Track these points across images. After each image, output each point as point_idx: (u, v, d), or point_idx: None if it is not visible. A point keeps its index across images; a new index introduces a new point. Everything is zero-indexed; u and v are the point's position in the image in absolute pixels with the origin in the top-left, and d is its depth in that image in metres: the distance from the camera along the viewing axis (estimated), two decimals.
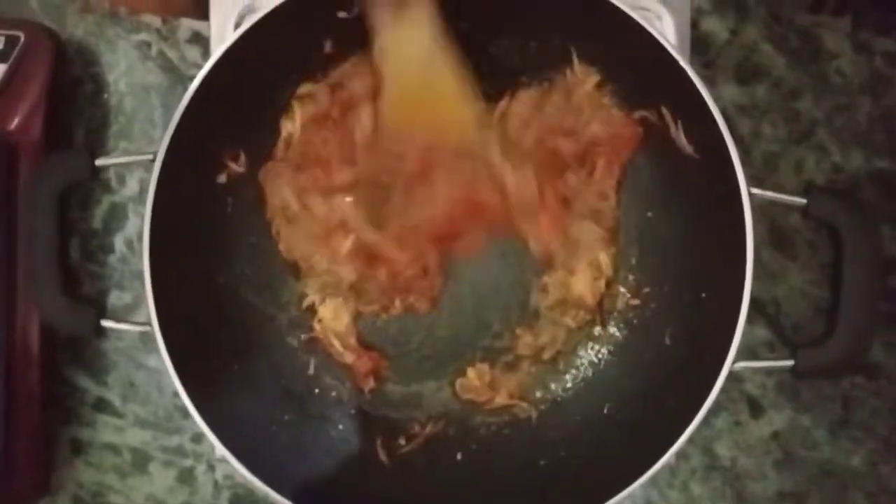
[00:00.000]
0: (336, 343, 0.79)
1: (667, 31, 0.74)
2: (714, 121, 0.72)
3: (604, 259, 0.78)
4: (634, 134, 0.76)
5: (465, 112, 0.66)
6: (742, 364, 0.73)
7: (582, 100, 0.76)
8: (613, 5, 0.71)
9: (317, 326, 0.81)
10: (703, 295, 0.73)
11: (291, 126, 0.85)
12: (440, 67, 0.62)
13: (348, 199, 0.75)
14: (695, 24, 0.79)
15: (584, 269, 0.78)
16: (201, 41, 0.83)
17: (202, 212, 0.76)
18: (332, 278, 0.78)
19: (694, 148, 0.72)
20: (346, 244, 0.77)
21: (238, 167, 0.78)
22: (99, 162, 0.70)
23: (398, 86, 0.64)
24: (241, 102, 0.74)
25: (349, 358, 0.79)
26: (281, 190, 0.79)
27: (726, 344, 0.67)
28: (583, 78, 0.76)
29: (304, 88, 0.83)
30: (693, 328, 0.74)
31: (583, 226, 0.78)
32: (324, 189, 0.78)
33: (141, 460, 0.84)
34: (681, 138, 0.73)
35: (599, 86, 0.76)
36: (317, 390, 0.81)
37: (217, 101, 0.69)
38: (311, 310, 0.81)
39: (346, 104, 0.81)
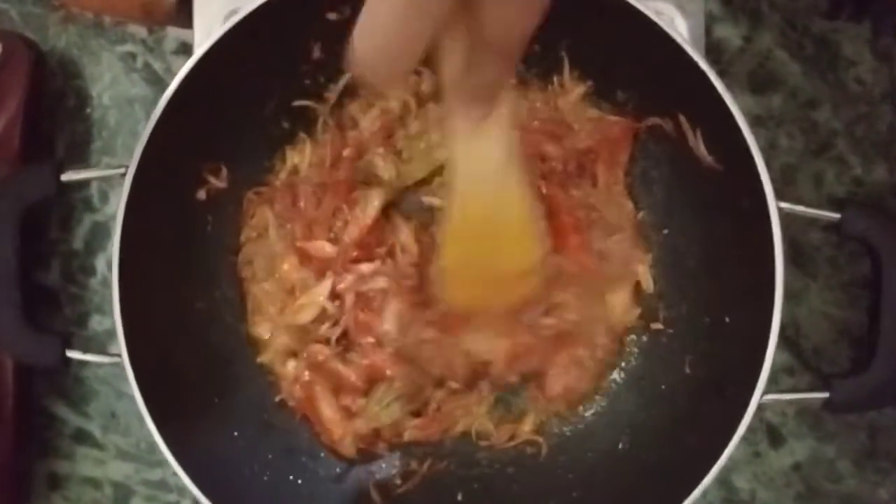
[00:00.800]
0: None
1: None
2: (737, 129, 0.67)
3: (643, 272, 0.74)
4: (625, 133, 0.73)
5: (532, 255, 0.60)
6: (771, 397, 0.67)
7: (568, 109, 0.74)
8: (629, 4, 0.66)
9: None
10: (727, 319, 0.69)
11: (299, 159, 0.80)
12: (512, 196, 0.56)
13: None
14: (707, 31, 0.75)
15: (624, 286, 0.74)
16: (188, 51, 0.77)
17: (180, 231, 0.73)
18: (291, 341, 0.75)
19: (715, 158, 0.68)
20: (309, 314, 0.74)
21: (219, 182, 0.74)
22: (65, 177, 0.66)
23: (463, 210, 0.56)
24: (222, 111, 0.71)
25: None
26: (264, 217, 0.76)
27: (753, 374, 0.62)
28: (570, 87, 0.74)
29: (298, 102, 0.79)
30: (715, 356, 0.70)
31: (610, 241, 0.73)
32: (299, 251, 0.77)
33: (122, 495, 0.80)
34: (700, 148, 0.69)
35: (587, 95, 0.74)
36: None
37: (196, 110, 0.66)
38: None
39: (359, 146, 0.77)
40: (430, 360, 0.69)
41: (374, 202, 0.72)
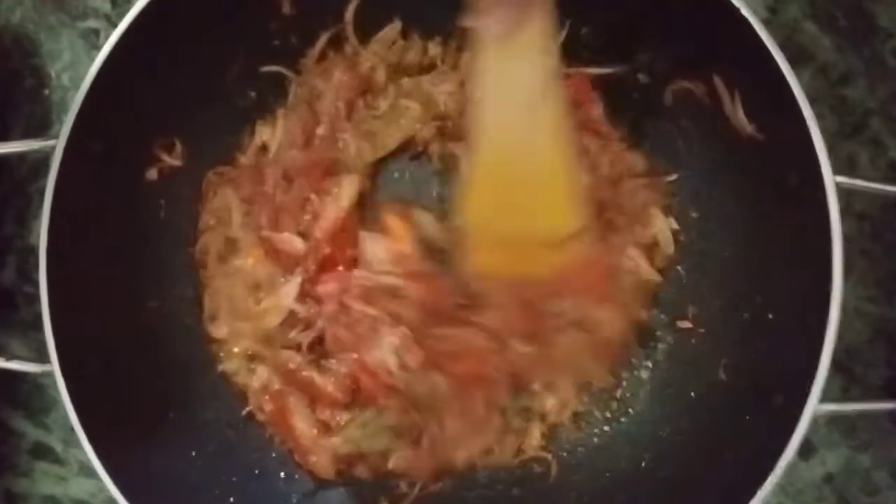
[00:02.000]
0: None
1: None
2: (785, 91, 0.59)
3: (661, 226, 0.68)
4: (582, 87, 0.69)
5: (568, 218, 0.56)
6: (830, 407, 0.58)
7: None
8: None
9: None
10: (770, 315, 0.64)
11: (269, 134, 0.72)
12: (548, 142, 0.51)
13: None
14: None
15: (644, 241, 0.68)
16: None
17: (127, 217, 0.67)
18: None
19: (756, 127, 0.63)
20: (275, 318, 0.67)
21: (174, 160, 0.69)
22: None
23: (491, 151, 0.52)
24: (177, 77, 0.67)
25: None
26: (226, 200, 0.71)
27: (803, 379, 0.56)
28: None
29: (269, 68, 0.72)
30: (756, 358, 0.65)
31: (626, 186, 0.68)
32: (265, 242, 0.70)
33: None
34: (739, 115, 0.63)
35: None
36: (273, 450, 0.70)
37: (144, 75, 0.64)
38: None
39: (332, 124, 0.70)
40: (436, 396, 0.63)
41: (348, 189, 0.67)
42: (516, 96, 0.48)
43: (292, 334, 0.68)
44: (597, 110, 0.70)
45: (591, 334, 0.63)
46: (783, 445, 0.57)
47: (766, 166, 0.63)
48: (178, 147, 0.70)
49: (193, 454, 0.67)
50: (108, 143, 0.63)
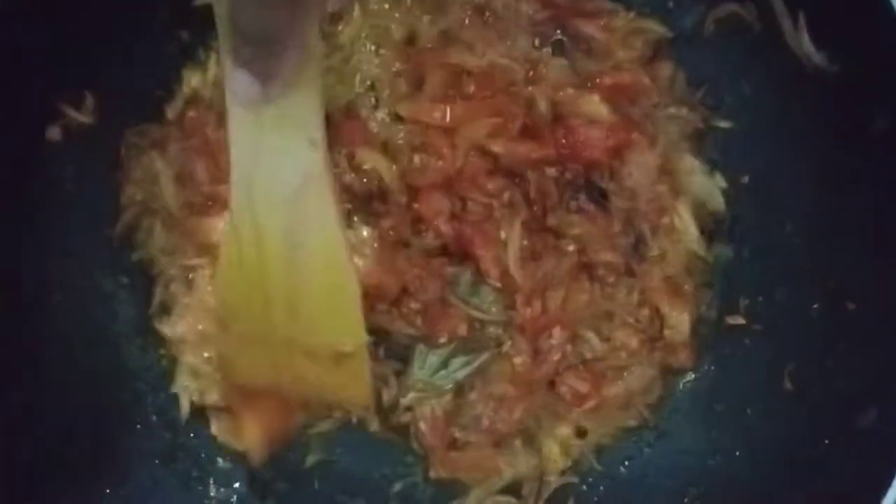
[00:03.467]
0: None
1: None
2: (874, 4, 0.49)
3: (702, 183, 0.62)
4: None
5: (349, 332, 0.52)
6: None
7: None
8: None
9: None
10: (850, 305, 0.55)
11: (200, 79, 0.64)
12: (323, 238, 0.48)
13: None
14: None
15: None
16: None
17: (21, 185, 0.58)
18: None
19: (827, 56, 0.55)
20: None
21: (82, 116, 0.60)
22: None
23: (250, 240, 0.48)
24: (87, 13, 0.57)
25: None
26: (152, 167, 0.62)
27: None
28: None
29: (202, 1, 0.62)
30: (833, 362, 0.56)
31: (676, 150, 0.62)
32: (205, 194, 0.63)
33: None
34: (804, 43, 0.55)
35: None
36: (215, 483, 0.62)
37: (43, 6, 0.54)
38: None
39: None
40: None
41: None
42: (276, 180, 0.44)
43: None
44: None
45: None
46: (883, 478, 0.47)
47: (841, 108, 0.55)
48: (89, 100, 0.60)
49: None
50: None
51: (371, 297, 0.61)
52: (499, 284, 0.63)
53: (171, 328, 0.64)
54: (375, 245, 0.62)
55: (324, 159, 0.45)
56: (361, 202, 0.63)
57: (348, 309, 0.50)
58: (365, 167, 0.62)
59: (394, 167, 0.62)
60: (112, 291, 0.64)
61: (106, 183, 0.63)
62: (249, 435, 0.59)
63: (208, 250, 0.63)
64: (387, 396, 0.64)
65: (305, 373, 0.52)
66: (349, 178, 0.62)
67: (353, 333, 0.51)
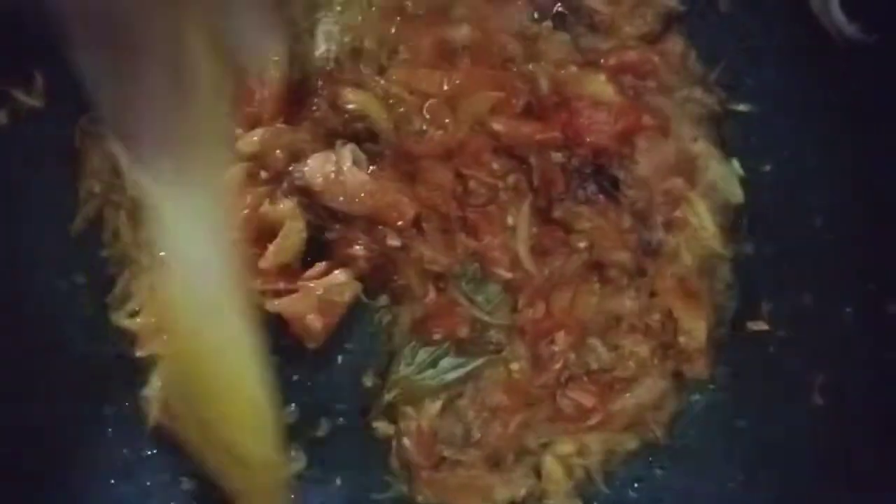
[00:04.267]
0: None
1: None
2: None
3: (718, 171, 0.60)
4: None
5: (261, 445, 0.50)
6: None
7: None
8: None
9: None
10: (891, 309, 0.51)
11: None
12: (236, 350, 0.47)
13: None
14: None
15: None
16: None
17: None
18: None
19: (861, 27, 0.51)
20: None
21: (31, 100, 0.57)
22: None
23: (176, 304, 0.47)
24: None
25: None
26: (111, 155, 0.59)
27: None
28: None
29: None
30: (869, 373, 0.53)
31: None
32: None
33: None
34: (833, 12, 0.52)
35: None
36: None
37: None
38: None
39: None
40: None
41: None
42: (190, 258, 0.43)
43: None
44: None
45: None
46: None
47: (876, 84, 0.52)
48: (39, 81, 0.57)
49: None
50: None
51: (389, 220, 0.58)
52: (509, 275, 0.59)
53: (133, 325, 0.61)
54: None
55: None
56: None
57: (261, 426, 0.49)
58: (350, 107, 0.58)
59: (385, 115, 0.58)
60: (68, 291, 0.59)
61: (62, 173, 0.58)
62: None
63: None
64: (370, 383, 0.60)
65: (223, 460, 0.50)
66: (334, 121, 0.58)
67: (263, 450, 0.49)
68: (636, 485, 0.61)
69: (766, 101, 0.60)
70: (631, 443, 0.61)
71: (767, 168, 0.60)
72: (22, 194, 0.60)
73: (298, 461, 0.61)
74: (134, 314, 0.61)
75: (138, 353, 0.60)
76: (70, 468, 0.58)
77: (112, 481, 0.59)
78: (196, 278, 0.45)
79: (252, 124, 0.61)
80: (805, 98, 0.57)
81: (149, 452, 0.61)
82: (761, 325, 0.60)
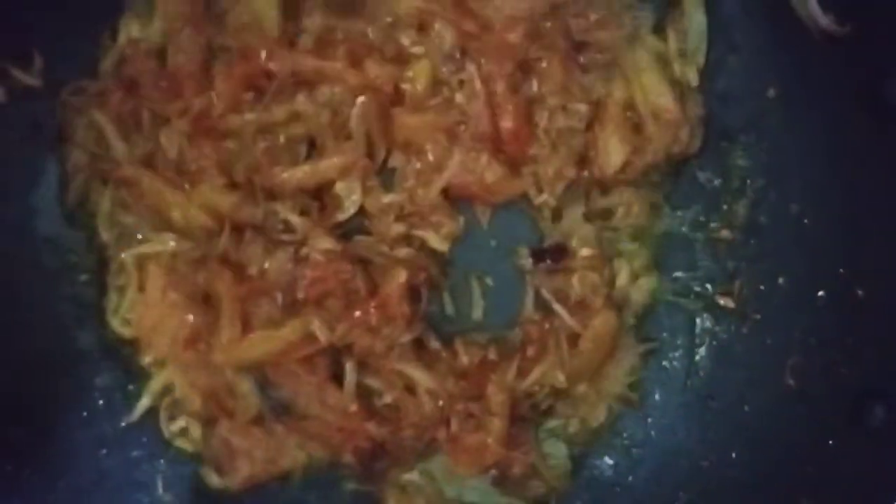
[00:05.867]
0: None
1: None
2: None
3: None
4: None
5: None
6: None
7: None
8: None
9: None
10: (859, 292, 0.52)
11: (139, 27, 0.60)
12: None
13: None
14: None
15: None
16: None
17: None
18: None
19: (835, 19, 0.51)
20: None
21: (29, 78, 0.57)
22: None
23: None
24: None
25: None
26: (96, 123, 0.58)
27: None
28: None
29: None
30: (839, 354, 0.53)
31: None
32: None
33: None
34: (810, 4, 0.51)
35: None
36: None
37: None
38: None
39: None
40: None
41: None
42: None
43: None
44: None
45: None
46: (893, 482, 0.44)
47: (852, 74, 0.52)
48: (38, 60, 0.57)
49: None
50: None
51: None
52: None
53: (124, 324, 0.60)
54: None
55: None
56: None
57: None
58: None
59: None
60: (59, 269, 0.59)
61: (54, 152, 0.58)
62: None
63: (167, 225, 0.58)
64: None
65: None
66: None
67: None
68: (610, 463, 0.59)
69: (742, 93, 0.59)
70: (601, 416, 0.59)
71: (742, 162, 0.59)
72: (17, 171, 0.58)
73: None
74: (126, 323, 0.60)
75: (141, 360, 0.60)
76: (56, 441, 0.57)
77: (101, 451, 0.59)
78: None
79: None
80: (782, 89, 0.56)
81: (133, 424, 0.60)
82: (728, 303, 0.59)
